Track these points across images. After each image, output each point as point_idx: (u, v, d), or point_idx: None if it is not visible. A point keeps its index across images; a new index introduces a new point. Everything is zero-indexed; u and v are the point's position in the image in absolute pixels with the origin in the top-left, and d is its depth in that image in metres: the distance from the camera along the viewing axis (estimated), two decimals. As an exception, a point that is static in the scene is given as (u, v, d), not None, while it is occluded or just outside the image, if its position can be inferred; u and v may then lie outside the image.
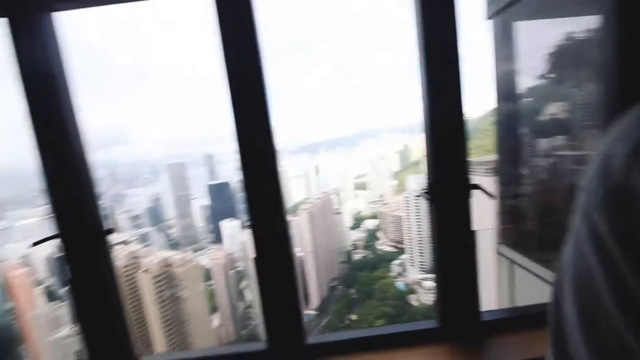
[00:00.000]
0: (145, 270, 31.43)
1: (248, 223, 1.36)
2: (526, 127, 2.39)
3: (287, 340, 1.41)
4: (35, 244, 1.33)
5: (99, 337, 1.37)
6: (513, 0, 2.06)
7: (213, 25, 1.32)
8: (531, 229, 2.26)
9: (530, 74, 2.15)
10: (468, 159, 1.34)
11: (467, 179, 1.36)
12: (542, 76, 2.13)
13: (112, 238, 1.42)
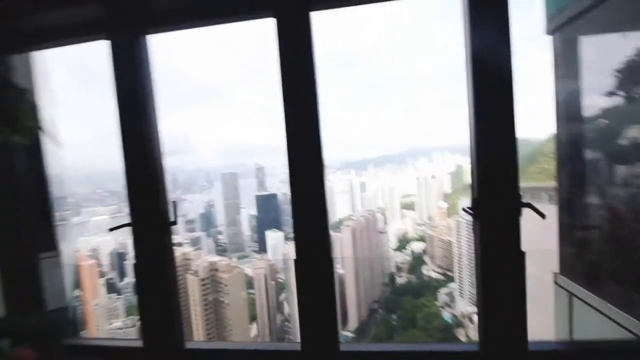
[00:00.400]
0: (194, 272, 33.35)
1: (292, 232, 1.45)
2: (599, 152, 2.21)
3: (321, 345, 1.45)
4: (112, 229, 1.56)
5: (154, 317, 1.54)
6: (577, 14, 1.96)
7: (274, 45, 1.49)
8: (597, 260, 2.03)
9: (598, 92, 1.99)
10: (517, 176, 1.30)
11: (516, 196, 1.31)
12: (614, 94, 1.96)
13: (174, 231, 1.60)
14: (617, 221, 1.93)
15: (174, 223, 1.52)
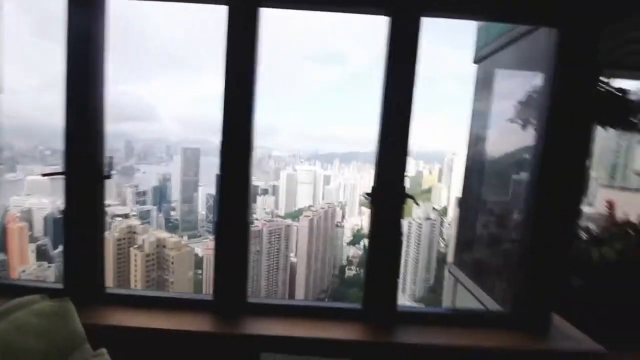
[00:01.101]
0: (139, 247, 31.94)
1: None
2: (493, 167, 2.58)
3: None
4: (45, 175, 1.63)
5: (78, 263, 1.65)
6: (493, 50, 2.34)
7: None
8: (478, 256, 2.49)
9: (502, 117, 2.40)
10: (404, 174, 1.61)
11: (402, 189, 1.63)
12: (513, 121, 2.37)
13: (107, 184, 1.72)
14: (494, 228, 2.39)
15: (108, 177, 1.64)
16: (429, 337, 1.62)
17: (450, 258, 2.80)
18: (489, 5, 1.60)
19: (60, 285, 1.70)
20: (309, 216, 44.18)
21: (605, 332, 1.80)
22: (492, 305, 2.02)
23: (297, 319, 1.69)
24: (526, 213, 1.74)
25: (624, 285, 2.27)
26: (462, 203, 2.72)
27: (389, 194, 1.64)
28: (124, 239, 31.79)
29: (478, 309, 2.21)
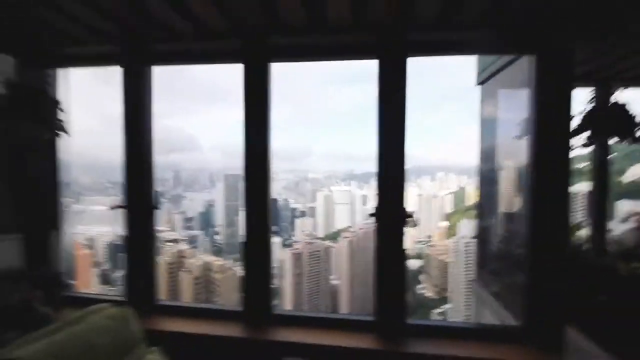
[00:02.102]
0: (188, 270, 33.73)
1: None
2: (504, 185, 2.63)
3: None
4: (112, 208, 2.07)
5: (137, 279, 2.03)
6: (495, 71, 2.48)
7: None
8: (495, 272, 2.52)
9: (509, 136, 2.47)
10: (404, 194, 1.81)
11: (403, 208, 1.82)
12: (520, 137, 2.44)
13: (157, 214, 2.11)
14: (506, 242, 2.41)
15: (157, 208, 2.05)
16: (435, 348, 1.73)
17: (474, 275, 2.83)
18: (469, 43, 1.81)
19: (123, 299, 2.08)
20: (347, 237, 43.80)
21: (629, 348, 1.78)
22: (510, 320, 2.05)
23: (316, 329, 1.90)
24: (528, 225, 1.83)
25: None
26: (479, 216, 2.78)
27: (391, 213, 1.84)
28: (174, 262, 33.70)
29: (489, 323, 2.24)
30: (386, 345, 1.76)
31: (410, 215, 1.81)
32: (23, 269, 2.14)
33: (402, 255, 1.82)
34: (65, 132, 2.08)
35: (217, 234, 50.33)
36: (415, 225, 1.82)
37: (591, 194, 2.73)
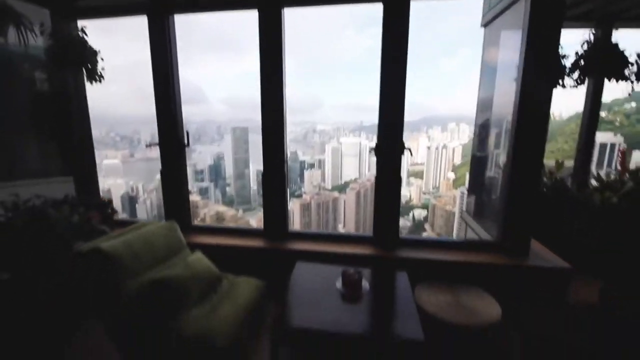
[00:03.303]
0: (201, 220, 35.60)
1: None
2: (497, 122, 2.83)
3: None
4: (147, 146, 2.40)
5: (174, 202, 2.41)
6: (498, 13, 2.55)
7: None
8: (481, 204, 2.86)
9: (509, 78, 2.60)
10: (402, 129, 2.06)
11: (401, 142, 2.09)
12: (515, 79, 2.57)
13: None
14: (491, 177, 2.71)
15: (188, 145, 2.36)
16: (424, 255, 2.12)
17: (464, 207, 3.18)
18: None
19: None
20: (355, 188, 44.79)
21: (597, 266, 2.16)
22: (488, 237, 2.43)
23: (325, 242, 2.31)
24: (508, 159, 2.11)
25: (619, 227, 2.50)
26: (474, 158, 3.04)
27: (391, 147, 2.12)
28: (188, 212, 35.08)
29: (472, 239, 2.64)
30: (382, 252, 2.15)
31: (408, 149, 2.09)
32: (79, 198, 2.54)
33: (398, 182, 2.13)
34: (103, 78, 2.33)
35: (228, 185, 51.81)
36: (412, 155, 2.10)
37: (580, 132, 2.93)
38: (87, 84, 2.38)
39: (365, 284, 1.78)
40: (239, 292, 1.81)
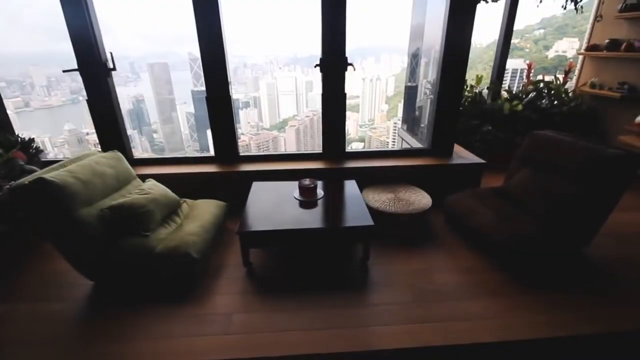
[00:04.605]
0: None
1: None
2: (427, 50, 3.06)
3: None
4: (64, 71, 2.08)
5: (110, 134, 2.23)
6: None
7: None
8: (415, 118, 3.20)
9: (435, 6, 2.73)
10: (345, 43, 2.10)
11: (344, 58, 2.15)
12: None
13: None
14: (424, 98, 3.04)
15: (114, 68, 2.09)
16: (367, 163, 2.37)
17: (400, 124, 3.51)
18: None
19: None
20: (294, 126, 44.29)
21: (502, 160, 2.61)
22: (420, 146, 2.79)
23: (277, 162, 2.41)
24: (437, 78, 2.34)
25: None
26: (406, 88, 3.31)
27: (334, 62, 2.17)
28: (114, 164, 31.86)
29: (409, 147, 3.01)
30: (332, 165, 2.35)
31: (350, 64, 2.16)
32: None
33: (342, 97, 2.24)
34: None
35: (155, 132, 47.05)
36: (354, 69, 2.19)
37: (497, 49, 3.28)
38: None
39: (320, 192, 1.98)
40: (202, 212, 1.89)
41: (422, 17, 2.93)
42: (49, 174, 1.44)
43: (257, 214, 1.78)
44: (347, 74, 2.22)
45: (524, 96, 3.28)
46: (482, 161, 2.41)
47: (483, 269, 1.71)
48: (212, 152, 2.40)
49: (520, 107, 3.10)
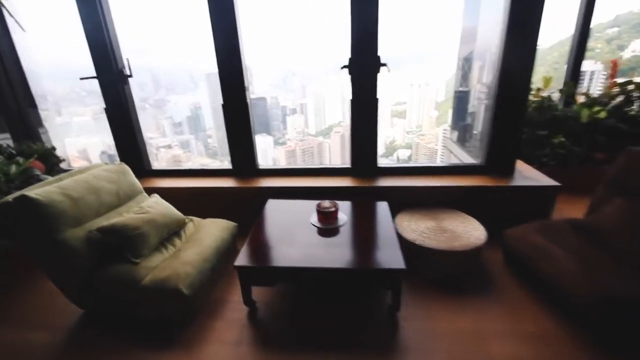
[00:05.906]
0: (187, 173, 34.94)
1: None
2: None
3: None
4: (82, 79, 2.03)
5: (126, 143, 2.14)
6: None
7: None
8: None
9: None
10: (377, 44, 1.77)
11: (377, 58, 1.80)
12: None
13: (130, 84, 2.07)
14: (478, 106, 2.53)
15: (130, 75, 1.99)
16: (403, 182, 1.98)
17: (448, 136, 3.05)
18: None
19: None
20: (339, 132, 44.13)
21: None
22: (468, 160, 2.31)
23: (300, 177, 2.13)
24: (495, 86, 1.89)
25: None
26: (456, 92, 2.83)
27: (365, 63, 1.83)
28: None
29: (457, 163, 2.52)
30: (361, 182, 2.00)
31: (384, 64, 1.81)
32: (16, 148, 2.21)
33: (374, 104, 1.90)
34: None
35: (209, 137, 50.13)
36: (389, 71, 1.83)
37: (572, 44, 2.68)
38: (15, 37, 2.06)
39: (343, 216, 1.64)
40: (205, 235, 1.65)
41: (474, 19, 2.54)
42: (35, 191, 1.31)
43: (263, 243, 1.50)
44: (390, 79, 1.87)
45: (607, 101, 2.62)
46: (556, 183, 1.88)
47: (559, 338, 1.24)
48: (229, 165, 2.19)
49: (603, 113, 2.47)
